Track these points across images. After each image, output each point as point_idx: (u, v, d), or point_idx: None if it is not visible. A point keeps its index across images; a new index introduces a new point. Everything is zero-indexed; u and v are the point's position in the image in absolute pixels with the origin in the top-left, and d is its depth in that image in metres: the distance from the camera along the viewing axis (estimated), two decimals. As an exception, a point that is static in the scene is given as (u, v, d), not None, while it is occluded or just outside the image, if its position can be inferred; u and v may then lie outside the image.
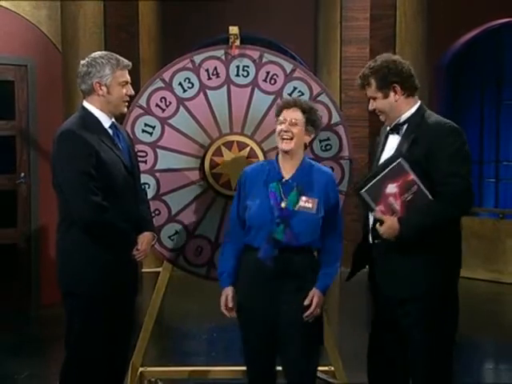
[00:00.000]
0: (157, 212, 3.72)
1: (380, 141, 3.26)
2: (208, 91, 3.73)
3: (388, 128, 3.19)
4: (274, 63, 3.74)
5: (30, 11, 6.43)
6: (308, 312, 3.10)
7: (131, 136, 3.63)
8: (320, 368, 3.69)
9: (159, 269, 3.90)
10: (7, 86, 6.31)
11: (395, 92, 3.09)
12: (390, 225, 2.96)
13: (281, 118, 3.14)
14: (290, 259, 3.12)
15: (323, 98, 3.74)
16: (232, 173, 3.67)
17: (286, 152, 3.13)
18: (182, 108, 3.73)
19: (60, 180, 3.09)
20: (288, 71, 3.74)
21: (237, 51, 3.73)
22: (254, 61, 3.73)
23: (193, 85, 3.72)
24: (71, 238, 3.13)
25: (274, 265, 3.08)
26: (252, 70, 3.73)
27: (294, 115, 3.12)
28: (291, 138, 3.11)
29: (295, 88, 3.72)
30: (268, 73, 3.73)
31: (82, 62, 3.19)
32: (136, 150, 3.64)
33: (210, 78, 3.73)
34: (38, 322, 6.12)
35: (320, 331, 3.23)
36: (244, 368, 4.01)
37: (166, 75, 3.73)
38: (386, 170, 3.01)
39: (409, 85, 3.11)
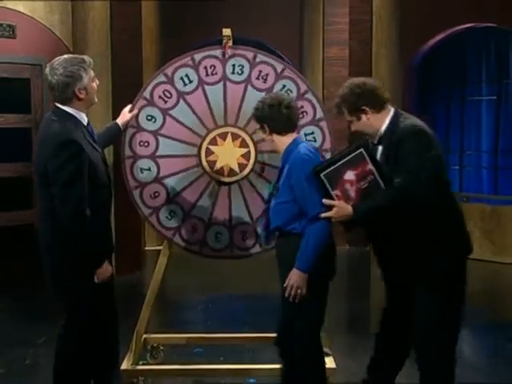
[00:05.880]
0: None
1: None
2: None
3: (375, 142, 3.08)
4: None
5: (44, 16, 6.48)
6: (286, 293, 3.03)
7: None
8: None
9: (160, 247, 3.88)
10: (24, 83, 6.35)
11: (366, 113, 3.01)
12: (339, 208, 2.93)
13: None
14: (277, 243, 3.21)
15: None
16: (225, 160, 3.65)
17: None
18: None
19: (57, 183, 2.94)
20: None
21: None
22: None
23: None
24: (52, 233, 3.06)
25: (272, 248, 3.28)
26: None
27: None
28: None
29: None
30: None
31: (56, 76, 2.99)
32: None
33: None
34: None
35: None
36: (236, 335, 4.09)
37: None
38: (348, 158, 2.94)
39: (376, 102, 3.01)
